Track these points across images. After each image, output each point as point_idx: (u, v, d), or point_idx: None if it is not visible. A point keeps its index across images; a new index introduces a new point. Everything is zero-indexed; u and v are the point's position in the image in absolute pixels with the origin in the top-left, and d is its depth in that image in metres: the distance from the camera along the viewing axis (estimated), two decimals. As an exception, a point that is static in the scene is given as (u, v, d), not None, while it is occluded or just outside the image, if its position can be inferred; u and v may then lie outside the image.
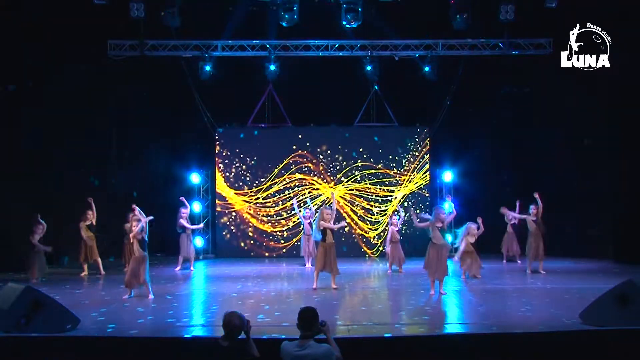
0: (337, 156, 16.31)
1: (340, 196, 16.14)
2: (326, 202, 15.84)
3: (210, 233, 16.48)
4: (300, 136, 16.39)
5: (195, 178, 16.19)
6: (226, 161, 16.31)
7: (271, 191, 16.22)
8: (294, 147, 16.29)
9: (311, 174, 16.25)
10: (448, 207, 13.42)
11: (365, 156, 16.34)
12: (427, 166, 16.33)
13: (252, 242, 16.26)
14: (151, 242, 10.54)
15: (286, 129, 16.22)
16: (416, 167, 16.29)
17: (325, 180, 16.22)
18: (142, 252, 9.87)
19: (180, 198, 14.02)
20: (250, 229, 16.22)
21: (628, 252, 13.79)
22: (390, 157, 16.37)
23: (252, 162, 16.28)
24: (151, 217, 10.02)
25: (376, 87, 15.90)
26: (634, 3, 13.24)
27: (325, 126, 16.61)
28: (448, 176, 16.38)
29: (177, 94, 15.86)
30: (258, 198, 16.21)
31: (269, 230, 16.23)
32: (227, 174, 16.28)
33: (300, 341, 4.92)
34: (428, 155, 16.34)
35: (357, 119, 16.20)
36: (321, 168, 16.24)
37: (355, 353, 5.90)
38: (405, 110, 16.22)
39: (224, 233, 16.29)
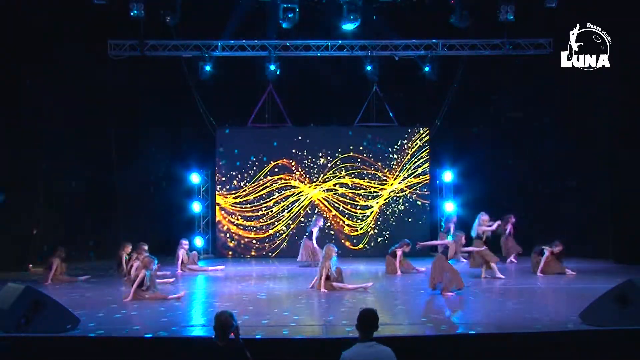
0: (337, 155, 16.29)
1: (336, 192, 16.19)
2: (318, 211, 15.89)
3: (210, 233, 16.46)
4: (300, 137, 16.38)
5: (195, 178, 16.18)
6: (226, 161, 16.30)
7: (266, 191, 16.18)
8: (293, 148, 16.26)
9: (296, 179, 16.19)
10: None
11: (364, 156, 16.33)
12: (427, 166, 16.31)
13: (253, 244, 16.24)
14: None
15: (286, 129, 16.21)
16: (415, 167, 16.28)
17: (307, 184, 16.18)
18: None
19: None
20: (250, 237, 16.22)
21: (628, 252, 13.78)
22: (390, 156, 16.34)
23: (252, 163, 16.24)
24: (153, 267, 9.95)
25: (376, 87, 15.90)
26: (634, 3, 13.24)
27: (325, 126, 16.60)
28: (448, 176, 16.37)
29: (177, 94, 15.85)
30: (259, 202, 16.18)
31: (266, 235, 16.20)
32: (226, 176, 16.24)
33: (363, 342, 4.93)
34: (428, 154, 16.32)
35: (357, 119, 16.19)
36: (307, 180, 16.19)
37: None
38: (405, 110, 16.21)
39: (222, 233, 16.29)
